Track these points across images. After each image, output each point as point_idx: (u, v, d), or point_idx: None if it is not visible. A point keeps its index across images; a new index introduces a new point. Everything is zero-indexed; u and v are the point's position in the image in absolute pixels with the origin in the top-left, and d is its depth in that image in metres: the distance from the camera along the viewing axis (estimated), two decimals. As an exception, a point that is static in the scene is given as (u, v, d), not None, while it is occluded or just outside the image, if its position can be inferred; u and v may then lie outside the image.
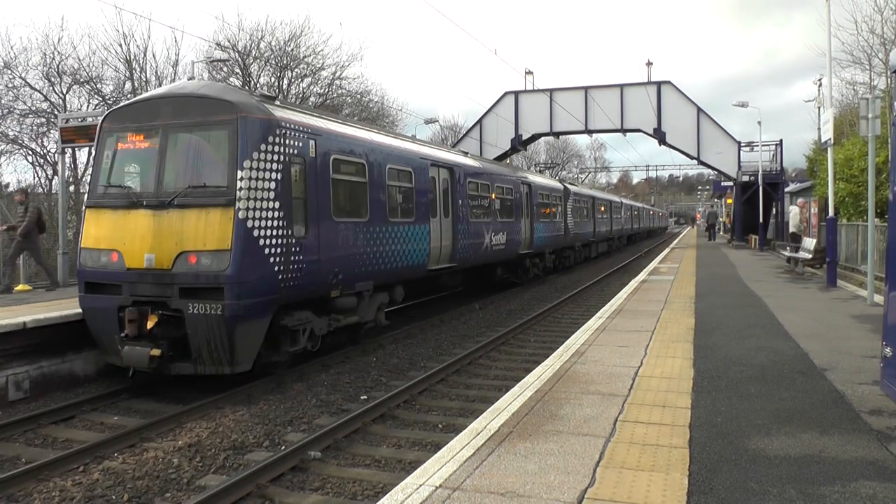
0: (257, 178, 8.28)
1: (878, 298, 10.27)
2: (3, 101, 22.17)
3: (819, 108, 27.15)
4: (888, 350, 4.79)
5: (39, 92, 22.94)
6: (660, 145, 32.02)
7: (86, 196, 9.47)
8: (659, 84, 31.55)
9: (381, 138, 12.01)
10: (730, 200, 37.84)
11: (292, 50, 30.37)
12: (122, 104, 10.11)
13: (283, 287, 8.63)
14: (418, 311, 16.43)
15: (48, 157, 22.68)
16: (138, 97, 10.47)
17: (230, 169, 8.21)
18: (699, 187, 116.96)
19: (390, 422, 7.57)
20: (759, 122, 31.33)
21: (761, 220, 29.70)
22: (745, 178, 30.76)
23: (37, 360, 8.93)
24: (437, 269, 13.85)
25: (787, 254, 18.24)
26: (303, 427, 7.39)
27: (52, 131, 22.06)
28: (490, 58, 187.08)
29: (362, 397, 8.56)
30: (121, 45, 25.54)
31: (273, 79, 30.71)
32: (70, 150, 20.13)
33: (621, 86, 31.94)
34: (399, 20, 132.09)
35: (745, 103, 30.08)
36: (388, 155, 11.67)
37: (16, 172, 46.19)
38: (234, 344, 8.07)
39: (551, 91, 32.59)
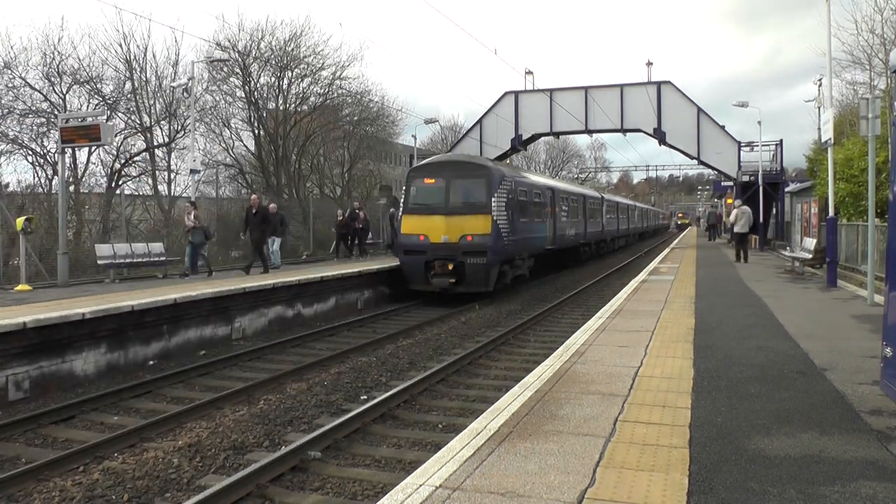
0: (497, 200, 17.14)
1: (879, 298, 10.26)
2: (3, 101, 22.12)
3: (819, 108, 27.14)
4: (888, 350, 4.78)
5: (39, 92, 22.90)
6: (660, 145, 31.99)
7: (401, 209, 18.26)
8: (659, 84, 31.51)
9: (534, 178, 23.25)
10: (730, 200, 37.81)
11: (292, 50, 30.33)
12: (421, 163, 19.87)
13: (505, 252, 17.60)
14: (419, 311, 16.43)
15: (48, 157, 22.63)
16: (430, 160, 19.73)
17: (487, 196, 17.11)
18: (699, 187, 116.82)
19: (390, 422, 7.57)
20: (759, 122, 31.33)
21: (761, 220, 29.67)
22: (746, 178, 30.72)
23: (37, 360, 8.94)
24: (548, 249, 22.55)
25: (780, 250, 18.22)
26: (303, 427, 7.39)
27: (52, 131, 22.01)
28: (490, 58, 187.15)
29: (362, 397, 8.57)
30: (121, 45, 25.53)
31: (273, 79, 30.69)
32: (70, 150, 20.11)
33: (621, 86, 31.90)
34: (399, 20, 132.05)
35: (745, 103, 30.03)
36: (533, 185, 21.11)
37: (16, 172, 46.16)
38: (489, 276, 16.95)
39: (551, 91, 32.56)
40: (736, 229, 21.09)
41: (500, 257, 17.26)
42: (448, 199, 17.15)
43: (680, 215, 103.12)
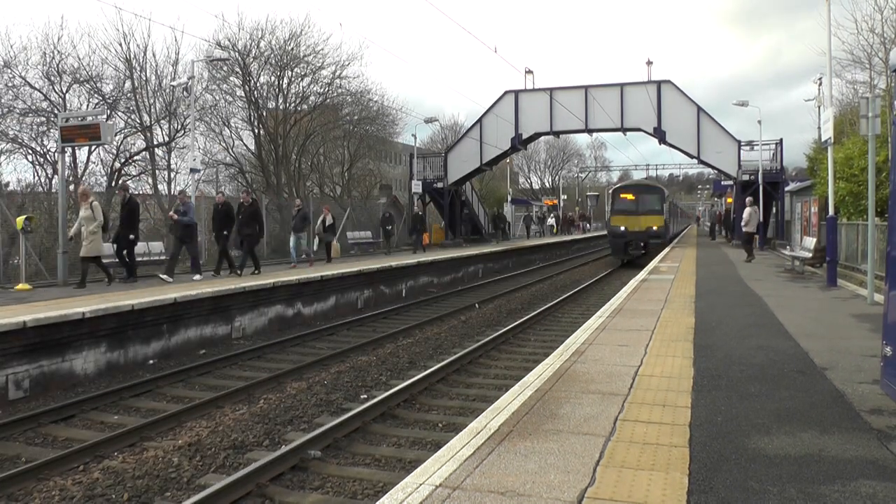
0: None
1: (879, 297, 10.25)
2: (2, 101, 22.12)
3: (819, 107, 27.12)
4: (888, 349, 4.77)
5: (39, 91, 22.90)
6: (660, 144, 31.94)
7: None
8: (659, 83, 31.47)
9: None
10: (730, 200, 37.80)
11: (292, 49, 30.33)
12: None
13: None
14: (418, 311, 16.43)
15: (48, 156, 22.61)
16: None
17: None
18: (699, 186, 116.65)
19: (390, 421, 7.57)
20: (760, 122, 31.28)
21: (761, 219, 29.62)
22: (745, 178, 30.68)
23: (37, 360, 8.94)
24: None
25: (790, 255, 18.21)
26: (303, 426, 7.40)
27: (52, 130, 22.00)
28: (490, 56, 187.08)
29: (362, 396, 8.57)
30: (121, 45, 25.53)
31: (273, 78, 30.68)
32: (70, 149, 20.09)
33: (621, 85, 31.86)
34: (399, 19, 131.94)
35: (745, 102, 29.98)
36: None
37: (16, 172, 46.12)
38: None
39: (551, 90, 32.52)
40: (747, 229, 21.33)
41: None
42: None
43: (626, 197, 31.11)
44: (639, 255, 28.58)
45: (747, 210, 21.01)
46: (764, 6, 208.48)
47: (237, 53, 28.81)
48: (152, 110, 26.42)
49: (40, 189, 21.96)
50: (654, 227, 28.86)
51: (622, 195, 30.00)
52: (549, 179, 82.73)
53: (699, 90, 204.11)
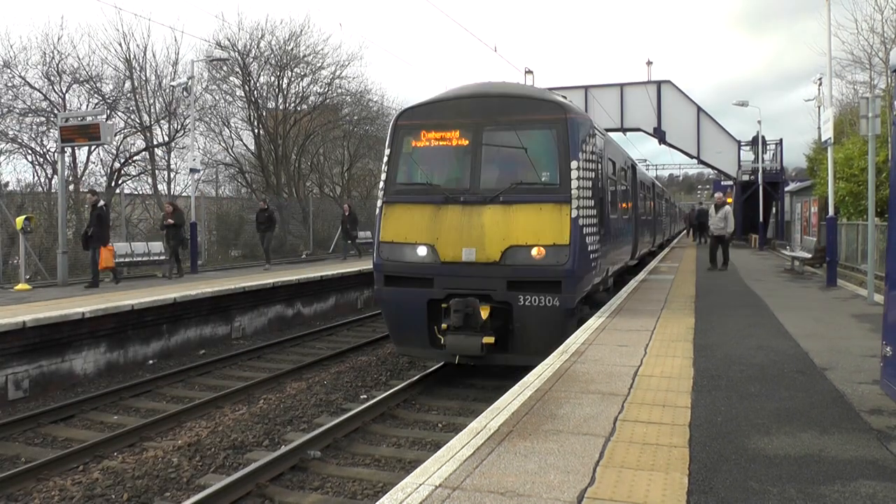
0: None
1: (878, 297, 10.25)
2: (2, 100, 22.08)
3: (819, 107, 27.13)
4: (888, 349, 4.77)
5: (39, 91, 22.86)
6: (660, 144, 31.96)
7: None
8: (659, 83, 31.47)
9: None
10: (730, 200, 37.85)
11: (292, 49, 30.30)
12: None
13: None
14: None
15: (48, 156, 22.58)
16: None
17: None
18: (699, 186, 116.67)
19: (390, 421, 7.57)
20: (759, 122, 31.29)
21: (761, 219, 29.65)
22: (745, 178, 30.71)
23: (36, 360, 8.93)
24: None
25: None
26: (302, 426, 7.39)
27: (51, 130, 21.98)
28: (490, 56, 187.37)
29: (362, 396, 8.56)
30: (120, 45, 25.48)
31: (273, 78, 30.66)
32: (70, 149, 20.07)
33: (621, 85, 31.86)
34: (399, 19, 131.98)
35: (745, 102, 29.99)
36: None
37: (15, 172, 46.09)
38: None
39: (551, 90, 32.54)
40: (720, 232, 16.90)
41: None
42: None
43: (439, 140, 9.21)
44: (475, 350, 8.19)
45: (726, 209, 16.80)
46: (766, 8, 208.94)
47: (237, 53, 28.79)
48: (152, 110, 26.41)
49: (40, 189, 21.92)
50: (535, 251, 8.42)
51: (432, 134, 9.04)
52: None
53: (700, 94, 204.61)
